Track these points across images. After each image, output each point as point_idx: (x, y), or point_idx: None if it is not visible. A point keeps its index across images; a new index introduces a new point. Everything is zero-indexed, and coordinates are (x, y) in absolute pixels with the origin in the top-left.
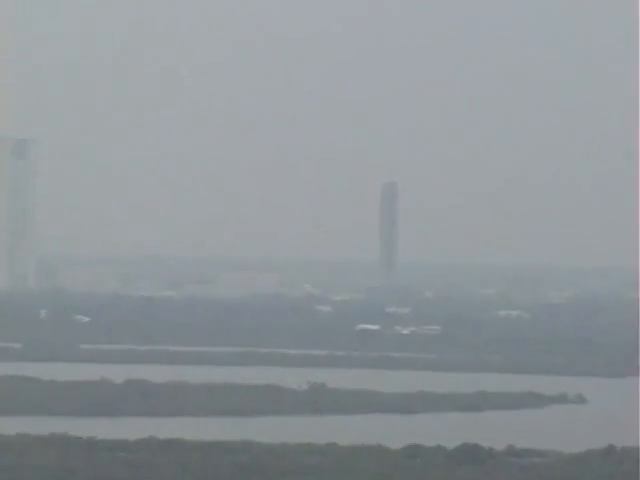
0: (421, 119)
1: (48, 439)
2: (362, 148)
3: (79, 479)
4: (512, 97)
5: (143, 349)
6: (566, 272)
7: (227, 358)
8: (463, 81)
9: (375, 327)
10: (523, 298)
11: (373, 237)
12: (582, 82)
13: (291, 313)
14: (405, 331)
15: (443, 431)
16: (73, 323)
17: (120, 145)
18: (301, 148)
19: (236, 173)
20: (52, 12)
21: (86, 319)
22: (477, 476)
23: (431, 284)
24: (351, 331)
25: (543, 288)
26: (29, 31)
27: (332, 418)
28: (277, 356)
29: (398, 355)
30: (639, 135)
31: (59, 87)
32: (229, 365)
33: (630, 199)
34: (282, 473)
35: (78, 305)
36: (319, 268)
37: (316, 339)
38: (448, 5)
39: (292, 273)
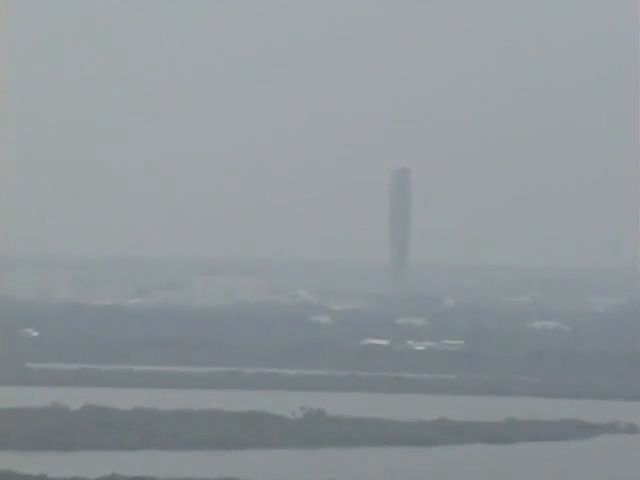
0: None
1: None
2: (368, 130)
3: None
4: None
5: (104, 369)
6: (612, 275)
7: (205, 380)
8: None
9: (384, 342)
10: (562, 307)
11: (381, 234)
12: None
13: (282, 325)
14: (420, 347)
15: (467, 467)
16: (18, 338)
17: (74, 135)
18: (293, 128)
19: (214, 162)
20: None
21: (35, 333)
22: None
23: (451, 290)
24: (355, 347)
25: (585, 295)
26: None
27: (332, 452)
28: (266, 377)
29: (412, 376)
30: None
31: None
32: (208, 388)
33: None
34: None
35: (25, 316)
36: (316, 271)
37: (313, 356)
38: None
39: (283, 277)
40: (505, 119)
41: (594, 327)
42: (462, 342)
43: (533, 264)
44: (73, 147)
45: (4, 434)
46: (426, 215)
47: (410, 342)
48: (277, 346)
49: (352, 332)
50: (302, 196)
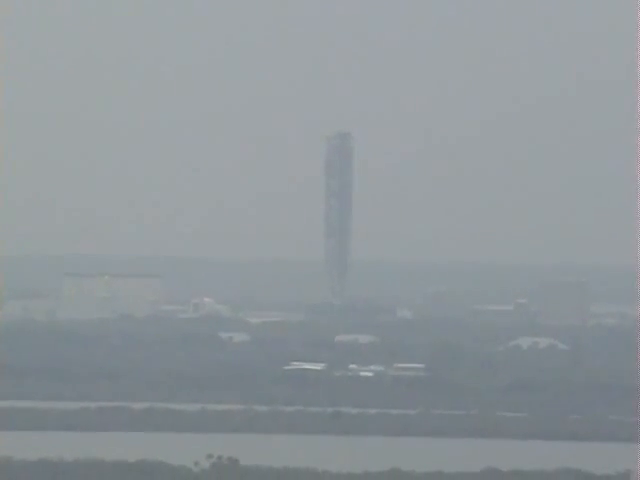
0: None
1: None
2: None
3: None
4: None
5: None
6: (620, 276)
7: (76, 418)
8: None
9: (318, 366)
10: (557, 317)
11: (313, 224)
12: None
13: (181, 344)
14: (366, 372)
15: None
16: None
17: None
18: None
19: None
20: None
21: None
22: None
23: (408, 297)
24: (279, 373)
25: (587, 301)
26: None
27: None
28: (160, 414)
29: (355, 411)
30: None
31: None
32: (80, 430)
33: None
34: None
35: None
36: (226, 273)
37: (222, 387)
38: None
39: (181, 280)
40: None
41: (598, 345)
42: (423, 366)
43: (518, 262)
44: None
45: None
46: (374, 198)
47: (353, 366)
48: (174, 373)
49: (275, 353)
50: (208, 179)
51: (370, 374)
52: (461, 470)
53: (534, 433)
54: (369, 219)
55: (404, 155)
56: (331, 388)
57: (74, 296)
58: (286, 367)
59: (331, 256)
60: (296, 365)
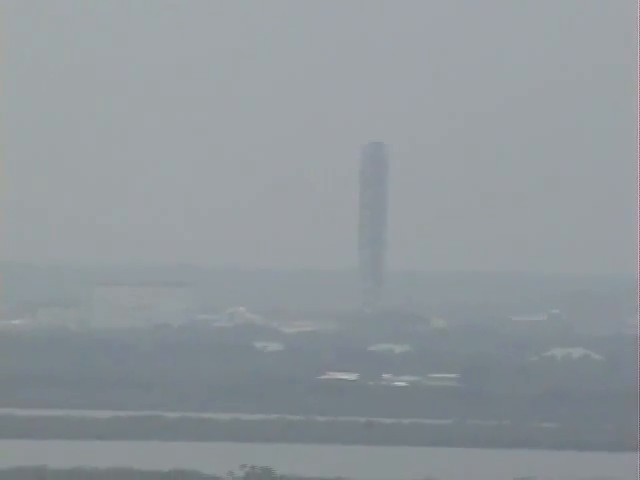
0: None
1: None
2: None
3: None
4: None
5: None
6: None
7: (111, 428)
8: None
9: (352, 376)
10: (590, 328)
11: (347, 234)
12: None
13: (216, 354)
14: (400, 382)
15: None
16: None
17: None
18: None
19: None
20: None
21: None
22: None
23: (442, 307)
24: (313, 383)
25: (621, 312)
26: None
27: None
28: (193, 424)
29: (388, 421)
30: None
31: None
32: (114, 439)
33: None
34: None
35: None
36: (260, 282)
37: (256, 396)
38: None
39: (216, 289)
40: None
41: (632, 355)
42: (457, 376)
43: (552, 271)
44: None
45: None
46: (408, 208)
47: (387, 376)
48: (208, 382)
49: (309, 363)
50: (240, 189)
51: (404, 384)
52: None
53: (568, 443)
54: (403, 229)
55: (437, 165)
56: (365, 398)
57: (106, 305)
58: (320, 377)
59: (365, 266)
60: (330, 375)
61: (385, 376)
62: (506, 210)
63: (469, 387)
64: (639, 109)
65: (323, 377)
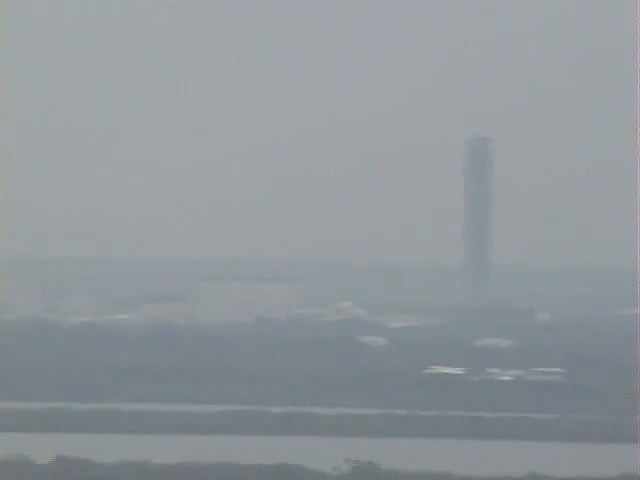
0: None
1: None
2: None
3: None
4: None
5: (80, 409)
6: None
7: (216, 422)
8: None
9: (457, 370)
10: None
11: (451, 227)
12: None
13: (321, 349)
14: (505, 377)
15: None
16: None
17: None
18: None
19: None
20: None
21: None
22: None
23: (547, 301)
24: (418, 377)
25: None
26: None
27: None
28: (298, 418)
29: (493, 415)
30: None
31: None
32: (219, 433)
33: None
34: None
35: None
36: (364, 276)
37: (361, 391)
38: None
39: (320, 284)
40: None
41: None
42: (562, 370)
43: None
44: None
45: None
46: (512, 201)
47: (492, 370)
48: (313, 377)
49: (414, 358)
50: (341, 180)
51: (508, 378)
52: (598, 475)
53: None
54: (508, 222)
55: (540, 158)
56: (469, 392)
57: (212, 300)
58: (425, 371)
59: (470, 260)
60: (435, 369)
61: (490, 370)
62: (617, 203)
63: (573, 381)
64: None
65: (428, 371)
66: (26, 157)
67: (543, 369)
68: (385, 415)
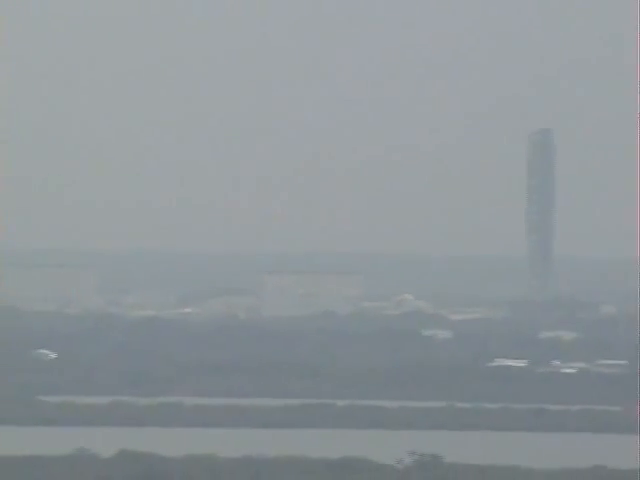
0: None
1: None
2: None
3: None
4: None
5: (144, 403)
6: None
7: (281, 416)
8: None
9: (521, 363)
10: None
11: (515, 220)
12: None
13: (384, 342)
14: (569, 369)
15: None
16: (30, 362)
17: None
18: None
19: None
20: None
21: (51, 355)
22: None
23: (611, 293)
24: (482, 370)
25: None
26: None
27: None
28: (362, 411)
29: (558, 408)
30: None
31: None
32: (284, 427)
33: None
34: None
35: (37, 332)
36: (425, 269)
37: (425, 384)
38: None
39: (382, 277)
40: None
41: None
42: (626, 362)
43: None
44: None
45: None
46: (574, 193)
47: (556, 363)
48: (377, 370)
49: (477, 350)
50: (404, 173)
51: (573, 370)
52: None
53: None
54: (571, 215)
55: (603, 151)
56: (534, 385)
57: (276, 293)
58: (489, 364)
59: (533, 253)
60: (499, 362)
61: (554, 363)
62: None
63: (638, 373)
64: None
65: (492, 364)
66: (91, 156)
67: (607, 361)
68: (448, 408)
